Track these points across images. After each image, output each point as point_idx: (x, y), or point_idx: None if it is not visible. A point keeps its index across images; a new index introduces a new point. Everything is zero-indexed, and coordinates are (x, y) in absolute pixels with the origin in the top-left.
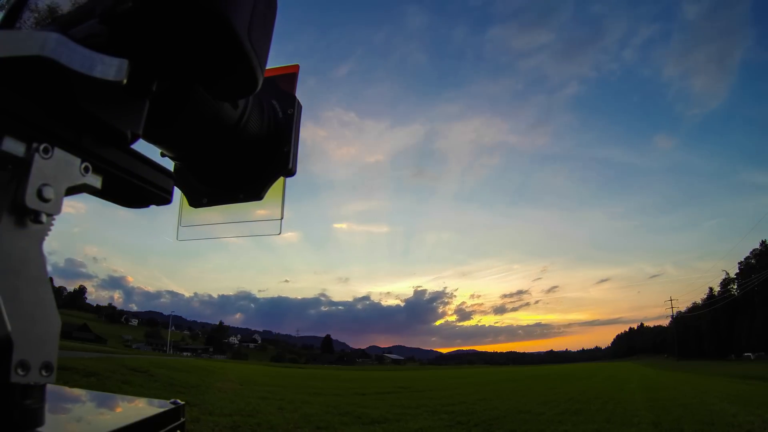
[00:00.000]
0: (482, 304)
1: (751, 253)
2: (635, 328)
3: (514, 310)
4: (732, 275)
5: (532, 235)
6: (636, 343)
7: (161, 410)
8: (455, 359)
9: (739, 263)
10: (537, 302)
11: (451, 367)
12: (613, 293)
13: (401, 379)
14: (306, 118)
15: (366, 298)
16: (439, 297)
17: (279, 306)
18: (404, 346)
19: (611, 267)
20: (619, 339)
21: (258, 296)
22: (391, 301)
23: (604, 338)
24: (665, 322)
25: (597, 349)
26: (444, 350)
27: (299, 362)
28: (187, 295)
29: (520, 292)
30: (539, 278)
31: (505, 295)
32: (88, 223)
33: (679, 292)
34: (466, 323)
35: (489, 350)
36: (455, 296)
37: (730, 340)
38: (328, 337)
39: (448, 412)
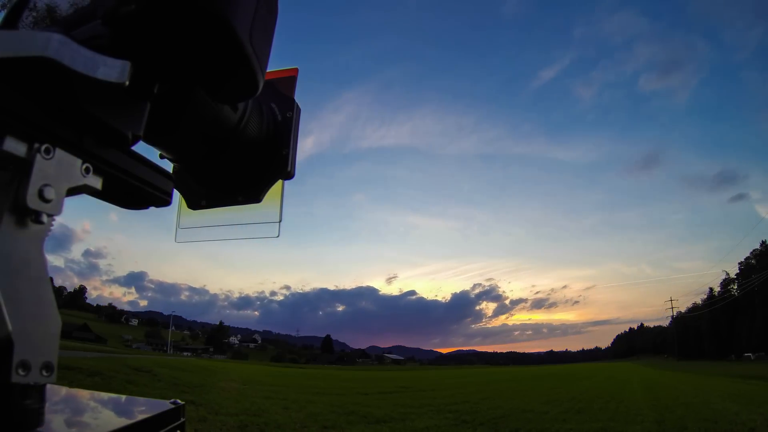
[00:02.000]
0: (527, 300)
1: (751, 253)
2: (635, 328)
3: (552, 305)
4: (732, 275)
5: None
6: (636, 343)
7: (161, 410)
8: (455, 359)
9: (739, 263)
10: (578, 299)
11: (451, 368)
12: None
13: (402, 379)
14: (306, 121)
15: (412, 292)
16: (490, 293)
17: (311, 302)
18: (404, 346)
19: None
20: (619, 339)
21: (300, 290)
22: (440, 296)
23: (605, 338)
24: (665, 323)
25: (597, 349)
26: (445, 350)
27: (299, 362)
28: (211, 291)
29: (559, 289)
30: (581, 279)
31: (539, 293)
32: (113, 216)
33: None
34: (494, 322)
35: (489, 350)
36: (506, 293)
37: (730, 341)
38: (328, 337)
39: (452, 411)
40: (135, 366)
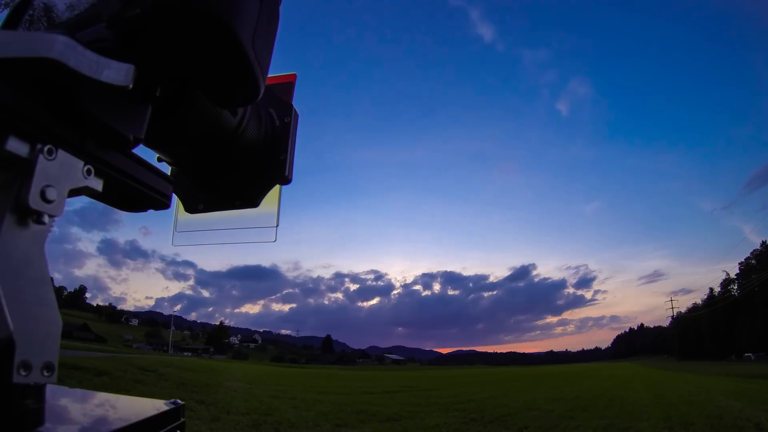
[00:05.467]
0: (607, 292)
1: (751, 253)
2: (635, 328)
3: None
4: (732, 276)
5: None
6: (636, 343)
7: (161, 410)
8: (455, 359)
9: (739, 263)
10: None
11: (451, 368)
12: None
13: (405, 378)
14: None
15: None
16: (583, 284)
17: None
18: (404, 347)
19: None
20: (619, 339)
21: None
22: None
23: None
24: (665, 323)
25: (597, 349)
26: (445, 350)
27: (300, 362)
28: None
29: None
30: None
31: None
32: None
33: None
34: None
35: (490, 350)
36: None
37: (730, 341)
38: (328, 337)
39: (459, 410)
40: (140, 365)
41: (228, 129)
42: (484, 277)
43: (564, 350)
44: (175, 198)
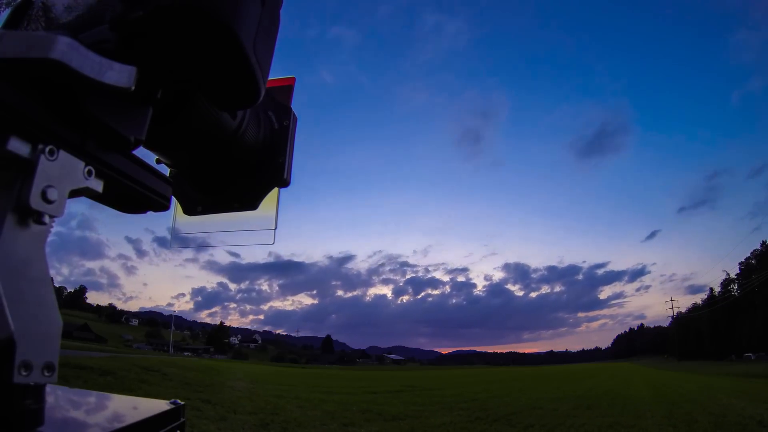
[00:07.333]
0: (647, 287)
1: (751, 253)
2: (635, 328)
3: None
4: (732, 275)
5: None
6: (636, 343)
7: (161, 410)
8: (455, 360)
9: (739, 264)
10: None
11: (452, 368)
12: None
13: (407, 378)
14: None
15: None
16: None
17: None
18: (404, 347)
19: None
20: (619, 339)
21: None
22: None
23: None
24: (665, 323)
25: (597, 349)
26: (445, 351)
27: (300, 362)
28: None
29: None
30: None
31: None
32: None
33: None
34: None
35: (490, 351)
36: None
37: (730, 341)
38: (328, 337)
39: (463, 409)
40: (143, 365)
41: (228, 131)
42: (554, 268)
43: (564, 350)
44: (173, 200)
